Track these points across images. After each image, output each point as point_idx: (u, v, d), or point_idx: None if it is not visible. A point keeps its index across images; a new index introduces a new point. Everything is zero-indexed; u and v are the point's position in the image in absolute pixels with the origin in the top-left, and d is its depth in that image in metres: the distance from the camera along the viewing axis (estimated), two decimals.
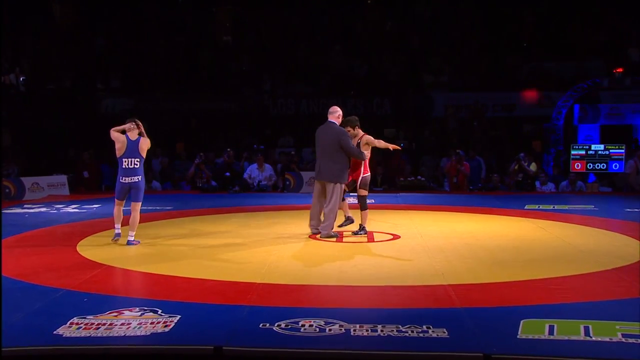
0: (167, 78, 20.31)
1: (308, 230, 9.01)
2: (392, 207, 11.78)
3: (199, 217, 10.88)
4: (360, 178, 8.82)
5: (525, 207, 11.89)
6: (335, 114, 8.72)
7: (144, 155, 8.16)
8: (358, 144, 8.74)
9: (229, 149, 16.07)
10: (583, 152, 15.50)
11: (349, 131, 8.74)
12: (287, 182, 15.43)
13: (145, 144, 8.15)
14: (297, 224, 9.91)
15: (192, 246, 8.13)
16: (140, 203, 8.23)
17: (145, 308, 5.09)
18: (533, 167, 15.45)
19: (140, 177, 8.13)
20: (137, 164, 8.09)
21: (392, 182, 15.89)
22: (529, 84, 19.25)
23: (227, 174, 15.67)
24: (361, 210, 8.88)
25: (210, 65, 20.84)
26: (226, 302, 5.44)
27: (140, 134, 8.17)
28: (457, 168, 15.39)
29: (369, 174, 8.99)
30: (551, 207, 11.95)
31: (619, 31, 19.51)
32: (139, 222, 8.24)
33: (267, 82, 20.49)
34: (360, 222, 8.88)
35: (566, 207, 11.98)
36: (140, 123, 8.23)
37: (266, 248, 7.93)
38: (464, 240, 8.51)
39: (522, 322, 4.70)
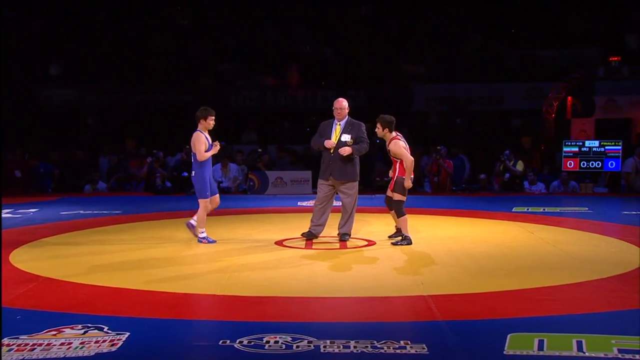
0: (115, 66, 20.06)
1: (274, 237, 9.05)
2: (367, 210, 11.79)
3: (151, 222, 10.80)
4: (394, 179, 8.74)
5: (513, 210, 12.02)
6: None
7: (193, 149, 8.70)
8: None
9: (188, 146, 15.93)
10: (576, 149, 15.58)
11: (377, 129, 8.91)
12: (251, 183, 15.38)
13: (192, 137, 8.72)
14: (262, 230, 9.90)
15: (143, 255, 8.04)
16: (204, 199, 8.69)
17: (89, 325, 5.02)
18: (519, 165, 15.55)
19: (193, 172, 8.78)
20: (191, 158, 8.87)
21: (368, 183, 15.93)
22: (518, 74, 19.46)
23: (185, 173, 15.57)
24: (397, 217, 8.80)
25: (164, 52, 20.65)
26: (181, 317, 5.41)
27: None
28: (439, 165, 15.48)
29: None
30: (541, 209, 12.10)
31: (615, 15, 19.77)
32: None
33: (228, 72, 20.39)
34: (403, 232, 8.75)
35: (558, 209, 12.14)
36: (199, 114, 9.00)
37: (227, 256, 7.88)
38: (446, 246, 8.58)
39: (509, 336, 4.74)
